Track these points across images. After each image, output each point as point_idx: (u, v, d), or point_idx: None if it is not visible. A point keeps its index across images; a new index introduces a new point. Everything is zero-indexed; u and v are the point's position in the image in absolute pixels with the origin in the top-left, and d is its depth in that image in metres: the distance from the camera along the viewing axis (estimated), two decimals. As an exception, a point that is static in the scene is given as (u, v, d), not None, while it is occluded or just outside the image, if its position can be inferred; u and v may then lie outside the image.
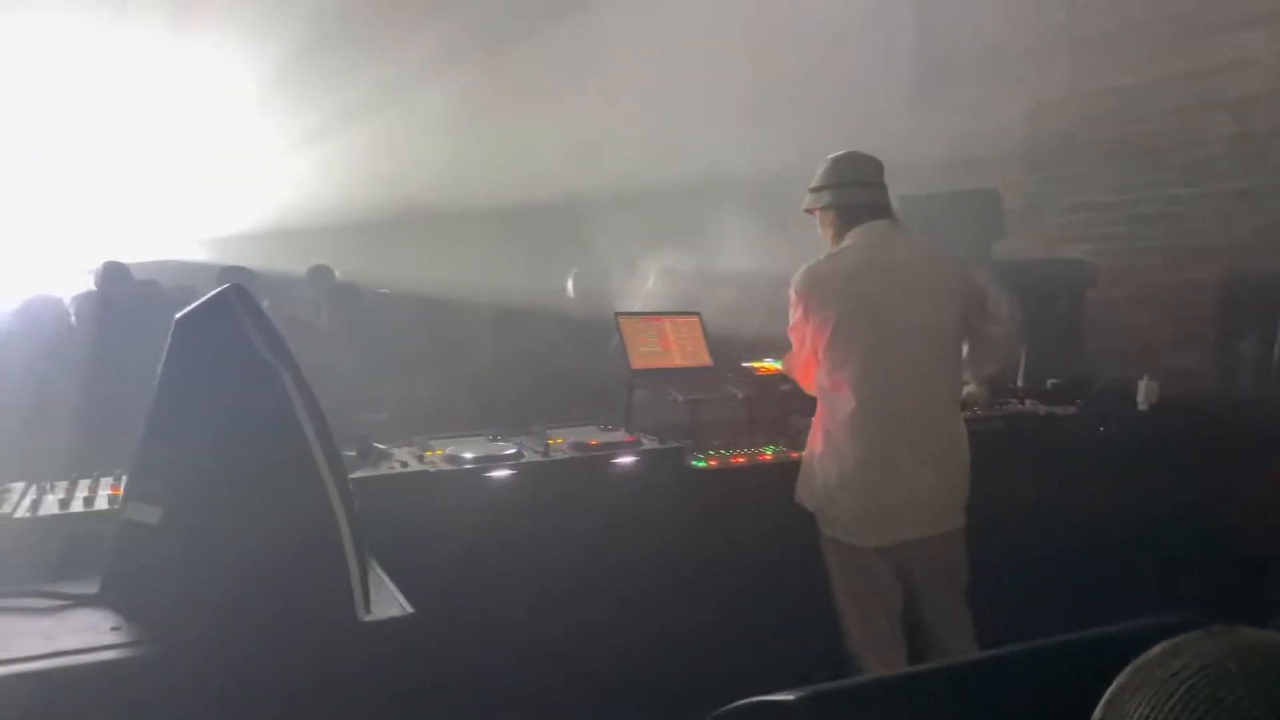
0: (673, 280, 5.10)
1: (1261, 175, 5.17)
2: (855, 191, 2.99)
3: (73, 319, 4.52)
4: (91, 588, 2.11)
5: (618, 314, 3.79)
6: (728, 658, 2.92)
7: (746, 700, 1.23)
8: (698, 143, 6.53)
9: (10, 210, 6.89)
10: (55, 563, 2.25)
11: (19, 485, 2.54)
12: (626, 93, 7.14)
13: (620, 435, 3.34)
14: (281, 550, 1.70)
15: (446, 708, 2.29)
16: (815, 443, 2.98)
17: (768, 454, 3.40)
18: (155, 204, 7.26)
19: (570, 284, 5.56)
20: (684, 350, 3.72)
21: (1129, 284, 5.71)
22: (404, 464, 2.98)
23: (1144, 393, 3.97)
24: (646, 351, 3.64)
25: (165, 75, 7.07)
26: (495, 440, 3.24)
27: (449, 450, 3.06)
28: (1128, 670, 0.87)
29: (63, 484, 2.55)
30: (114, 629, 1.91)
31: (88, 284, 4.96)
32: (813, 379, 3.00)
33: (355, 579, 1.85)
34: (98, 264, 4.89)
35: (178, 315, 1.80)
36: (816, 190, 3.05)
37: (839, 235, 3.00)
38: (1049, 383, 4.04)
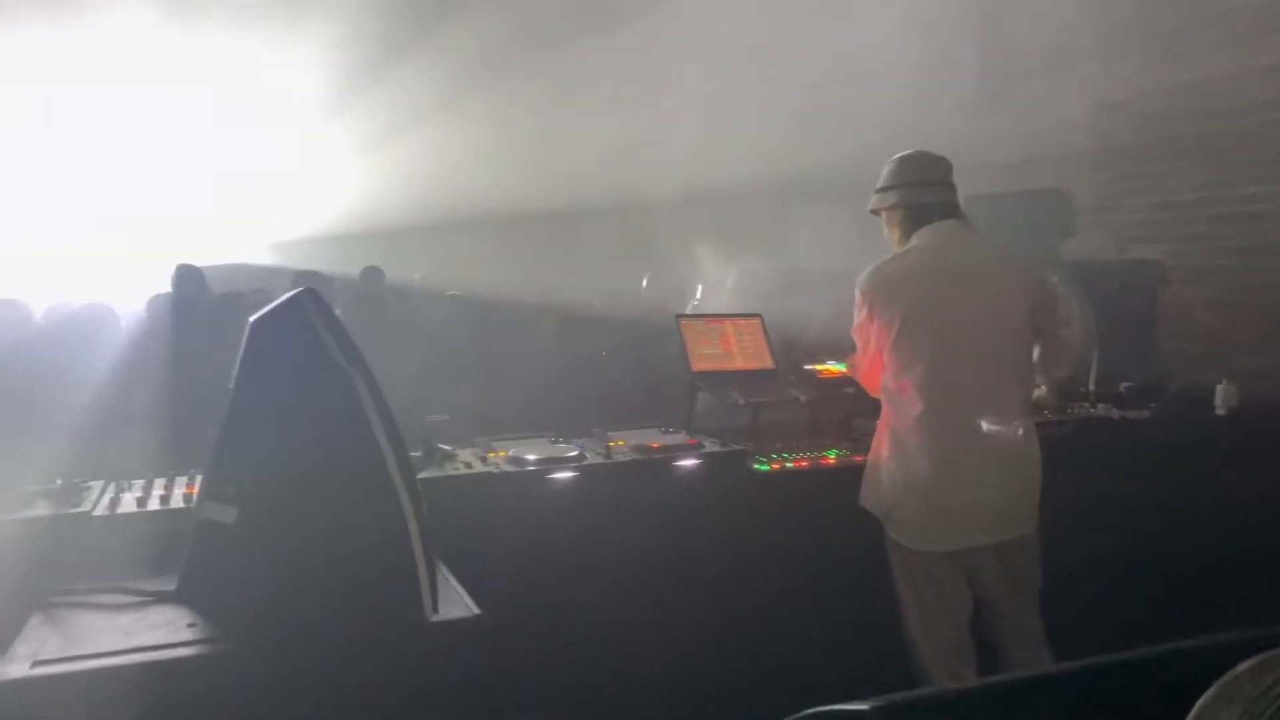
0: (752, 281, 5.09)
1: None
2: (922, 191, 2.94)
3: (146, 320, 4.64)
4: (168, 585, 2.17)
5: (678, 316, 3.78)
6: (791, 663, 2.88)
7: (817, 709, 1.21)
8: (766, 143, 6.48)
9: (83, 214, 7.08)
10: (133, 560, 2.31)
11: (98, 484, 2.61)
12: (690, 94, 7.11)
13: (681, 438, 3.33)
14: (353, 550, 1.73)
15: (512, 707, 2.30)
16: (880, 446, 2.94)
17: (831, 457, 3.37)
18: (224, 208, 7.42)
19: (645, 285, 5.57)
20: (745, 352, 3.69)
21: (1204, 285, 5.54)
22: (468, 465, 3.00)
23: (1222, 396, 3.84)
24: (707, 354, 3.62)
25: (233, 79, 7.20)
26: (557, 442, 3.25)
27: (512, 452, 3.08)
28: (1216, 686, 0.83)
29: (140, 483, 2.61)
30: (190, 625, 1.95)
31: (161, 287, 5.08)
32: (878, 381, 2.96)
33: (424, 579, 1.87)
34: (171, 267, 5.03)
35: (252, 318, 1.83)
36: (883, 190, 3.01)
37: (905, 236, 2.96)
38: (1122, 386, 3.94)
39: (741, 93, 6.82)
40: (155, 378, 2.92)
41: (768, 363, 3.69)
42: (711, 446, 3.25)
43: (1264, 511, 3.35)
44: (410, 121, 7.10)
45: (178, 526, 2.35)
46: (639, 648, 2.85)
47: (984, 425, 2.81)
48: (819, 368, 3.68)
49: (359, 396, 1.75)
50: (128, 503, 2.46)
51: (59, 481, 2.52)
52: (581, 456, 3.09)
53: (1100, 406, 3.87)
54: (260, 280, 5.59)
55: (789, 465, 3.29)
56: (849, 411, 3.53)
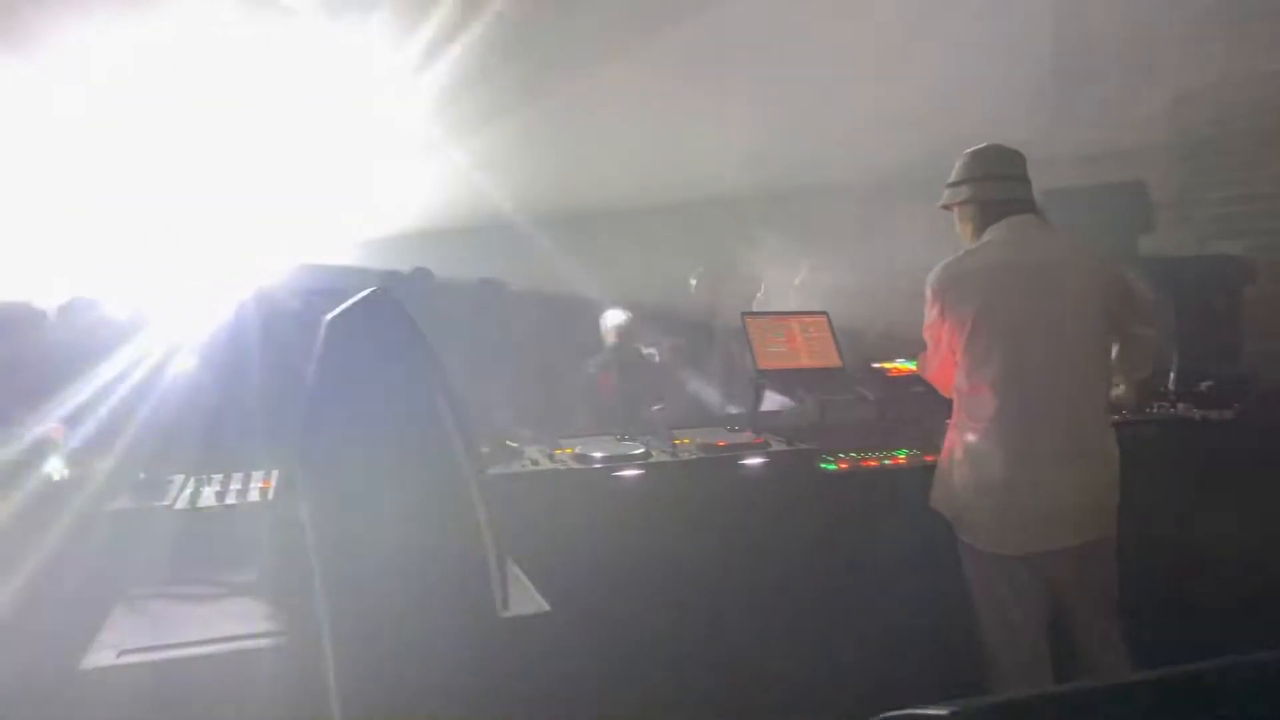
0: (821, 277, 5.05)
1: None
2: (995, 186, 2.88)
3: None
4: (247, 577, 2.22)
5: (744, 314, 3.76)
6: (859, 665, 2.86)
7: (894, 712, 1.19)
8: (832, 138, 6.40)
9: (169, 213, 7.23)
10: (211, 553, 2.37)
11: (179, 478, 2.69)
12: (755, 90, 7.04)
13: (748, 436, 3.32)
14: (427, 546, 1.75)
15: (581, 703, 2.31)
16: (953, 447, 2.88)
17: (901, 457, 3.32)
18: (308, 207, 7.51)
19: (694, 283, 5.53)
20: (811, 350, 3.66)
21: (1290, 280, 5.34)
22: (534, 462, 3.02)
23: (1310, 397, 3.71)
24: (773, 352, 3.60)
25: (317, 76, 7.26)
26: (623, 440, 3.25)
27: (578, 449, 3.09)
28: None
29: (218, 477, 2.68)
30: (268, 617, 2.00)
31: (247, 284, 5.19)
32: (950, 381, 2.90)
33: (495, 575, 1.88)
34: (258, 266, 5.14)
35: (328, 316, 1.86)
36: (954, 185, 2.95)
37: (978, 232, 2.90)
38: (1203, 385, 3.81)
39: (809, 87, 6.75)
40: (238, 374, 3.00)
41: (835, 361, 3.65)
42: (778, 445, 3.23)
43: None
44: (498, 113, 7.04)
45: (255, 520, 2.41)
46: (705, 646, 2.85)
47: (1060, 425, 2.73)
48: (888, 366, 3.63)
49: (434, 394, 1.77)
50: (207, 496, 2.53)
51: (142, 475, 2.61)
52: (648, 454, 3.10)
53: (1180, 406, 3.75)
54: (343, 279, 5.66)
55: (858, 465, 3.26)
56: (919, 411, 3.47)
